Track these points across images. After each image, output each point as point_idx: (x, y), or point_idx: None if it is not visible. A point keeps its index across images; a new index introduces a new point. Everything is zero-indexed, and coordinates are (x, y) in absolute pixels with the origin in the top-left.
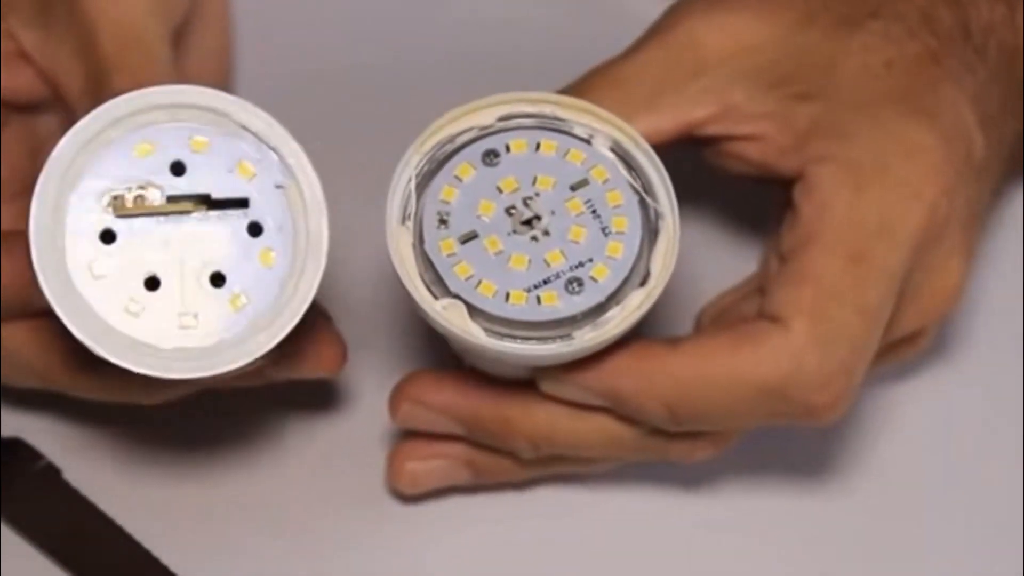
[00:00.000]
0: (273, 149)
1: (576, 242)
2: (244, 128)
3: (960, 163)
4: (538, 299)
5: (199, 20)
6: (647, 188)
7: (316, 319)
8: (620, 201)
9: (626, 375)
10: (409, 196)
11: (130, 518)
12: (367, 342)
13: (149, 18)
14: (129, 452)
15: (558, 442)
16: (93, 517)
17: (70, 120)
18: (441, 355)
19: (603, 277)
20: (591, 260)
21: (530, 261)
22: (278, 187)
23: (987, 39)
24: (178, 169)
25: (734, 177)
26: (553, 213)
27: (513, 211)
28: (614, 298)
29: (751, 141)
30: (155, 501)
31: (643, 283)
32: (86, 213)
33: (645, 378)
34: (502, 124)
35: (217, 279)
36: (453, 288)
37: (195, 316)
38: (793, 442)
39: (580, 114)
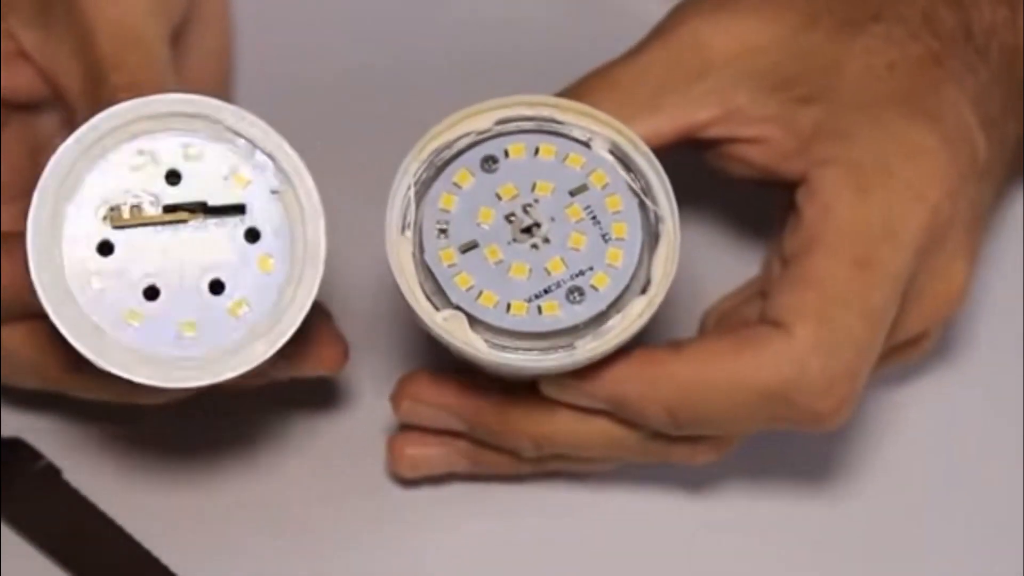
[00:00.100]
0: (268, 155)
1: (576, 249)
2: (238, 135)
3: (963, 165)
4: (539, 309)
5: (198, 20)
6: (647, 191)
7: (317, 318)
8: (620, 207)
9: (628, 381)
10: (408, 204)
11: (130, 518)
12: (368, 341)
13: (148, 18)
14: (129, 452)
15: (559, 443)
16: (93, 517)
17: (70, 120)
18: (441, 355)
19: (604, 285)
20: (591, 268)
21: (531, 270)
22: (274, 193)
23: (989, 40)
24: (174, 178)
25: (735, 180)
26: (553, 220)
27: (513, 218)
28: (615, 306)
29: (754, 144)
30: (155, 501)
31: (644, 290)
32: (83, 225)
33: (647, 383)
34: (500, 128)
35: (216, 286)
36: (454, 299)
37: (195, 324)
38: (795, 444)
39: (579, 116)
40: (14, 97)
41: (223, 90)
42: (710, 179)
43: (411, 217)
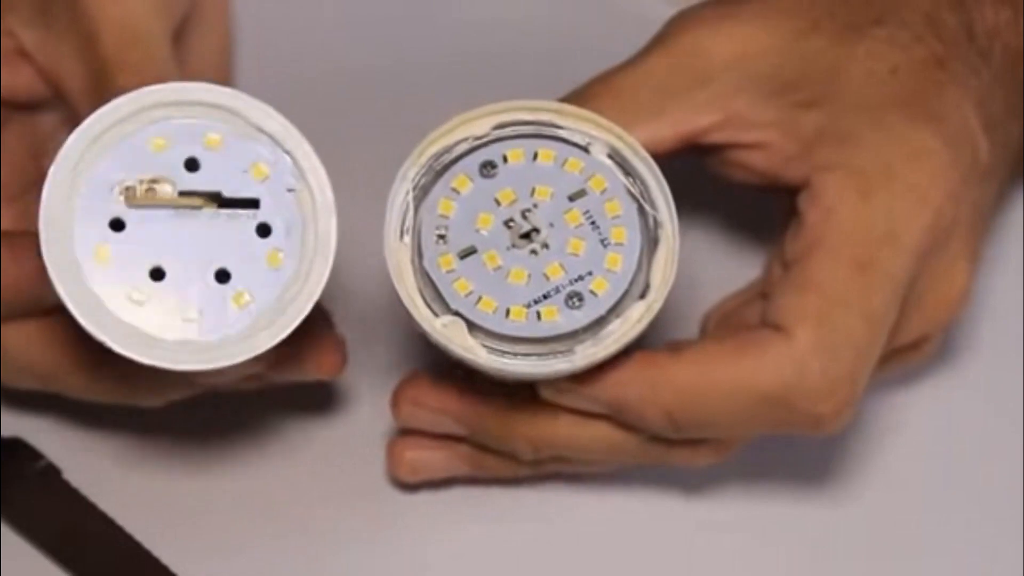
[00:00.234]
0: (288, 153)
1: (575, 255)
2: (260, 130)
3: (965, 167)
4: (538, 315)
5: (199, 19)
6: (645, 195)
7: (317, 322)
8: (619, 211)
9: (628, 385)
10: (407, 209)
11: (130, 518)
12: (367, 344)
13: (151, 17)
14: (129, 452)
15: (559, 446)
16: (93, 517)
17: (71, 120)
18: (440, 358)
19: (603, 291)
20: (590, 273)
21: (529, 276)
22: (290, 191)
23: (991, 42)
24: (192, 165)
25: (737, 186)
26: (552, 225)
27: (512, 224)
28: (614, 311)
29: (756, 149)
30: (155, 501)
31: (643, 295)
32: (97, 200)
33: (647, 387)
34: (498, 133)
35: (222, 275)
36: (453, 305)
37: (198, 310)
38: (796, 446)
39: (577, 121)
40: (14, 97)
41: None
42: (710, 184)
43: (409, 223)
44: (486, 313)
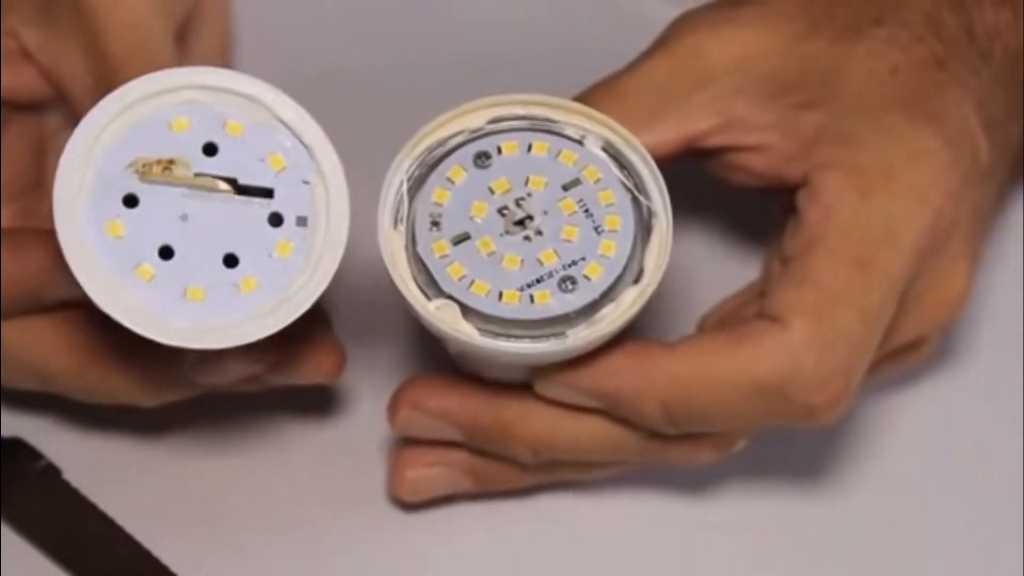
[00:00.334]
0: (306, 146)
1: (569, 241)
2: (281, 121)
3: (965, 167)
4: (531, 298)
5: (200, 19)
6: (639, 187)
7: (317, 324)
8: (612, 200)
9: (622, 374)
10: (401, 199)
11: (130, 518)
12: (366, 347)
13: (154, 18)
14: (129, 452)
15: (557, 446)
16: (93, 517)
17: (73, 120)
18: (439, 360)
19: (596, 275)
20: (584, 259)
21: (523, 261)
22: (305, 183)
23: (991, 43)
24: (210, 150)
25: (737, 189)
26: (545, 213)
27: (505, 212)
28: (608, 296)
29: (755, 151)
30: (155, 501)
31: (636, 281)
32: (114, 175)
33: (641, 377)
34: (493, 126)
35: (230, 260)
36: (446, 288)
37: (202, 292)
38: (795, 447)
39: (571, 115)
40: (16, 97)
41: None
42: (709, 185)
43: (403, 212)
44: (479, 296)
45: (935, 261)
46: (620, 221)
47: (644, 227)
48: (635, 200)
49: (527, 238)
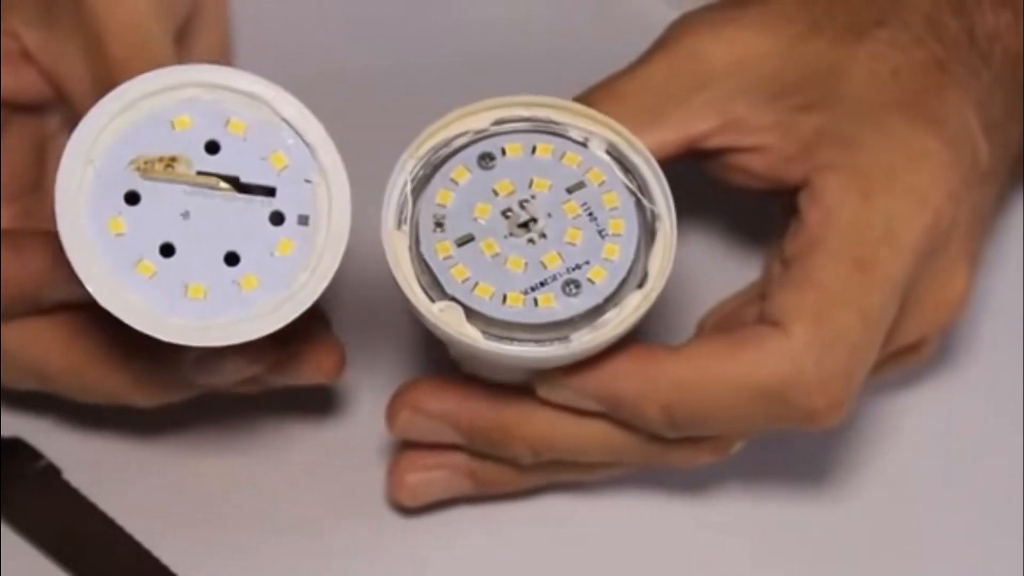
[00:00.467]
0: (308, 145)
1: (573, 244)
2: (284, 120)
3: (966, 169)
4: (535, 301)
5: (199, 20)
6: (643, 190)
7: (316, 325)
8: (616, 203)
9: (624, 378)
10: (405, 200)
11: (130, 518)
12: (366, 348)
13: (154, 20)
14: (129, 452)
15: (557, 448)
16: (93, 517)
17: (73, 121)
18: (440, 362)
19: (600, 279)
20: (588, 262)
21: (527, 263)
22: (307, 182)
23: (992, 45)
24: (212, 148)
25: (737, 190)
26: (550, 215)
27: (509, 214)
28: (612, 300)
29: (755, 153)
30: (155, 501)
31: (640, 285)
32: (116, 172)
33: (644, 381)
34: (497, 128)
35: (231, 259)
36: (450, 291)
37: (202, 289)
38: (796, 449)
39: (576, 117)
40: (16, 98)
41: None
42: (709, 186)
43: (407, 213)
44: (483, 299)
45: (935, 262)
46: (624, 225)
47: (648, 231)
48: (639, 204)
49: (531, 240)
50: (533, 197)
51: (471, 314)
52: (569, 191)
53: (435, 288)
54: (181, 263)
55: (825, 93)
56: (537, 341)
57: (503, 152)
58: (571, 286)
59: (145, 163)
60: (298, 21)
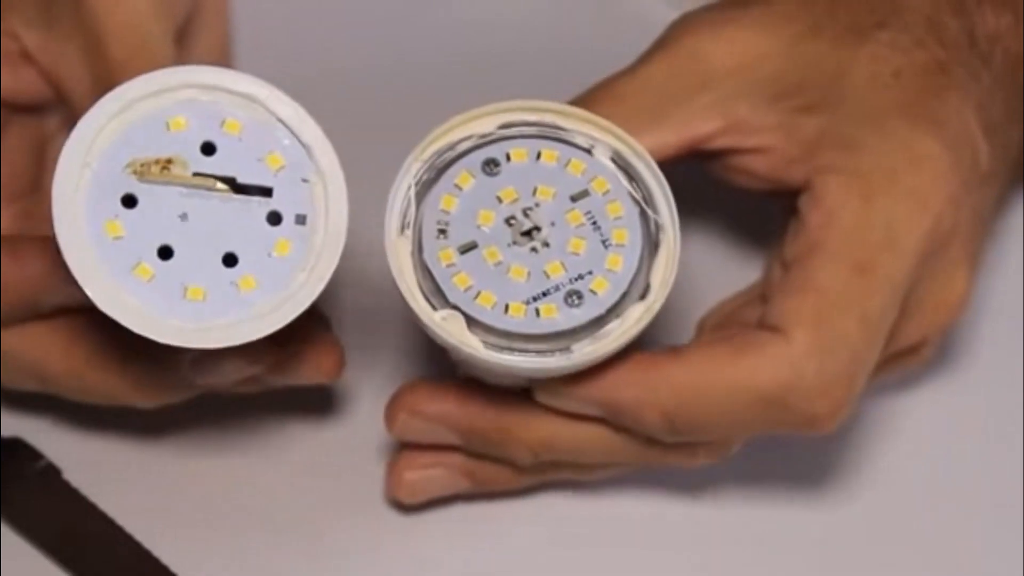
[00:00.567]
0: (304, 144)
1: (576, 254)
2: (279, 120)
3: (966, 171)
4: (537, 311)
5: (199, 20)
6: (648, 199)
7: (316, 325)
8: (621, 213)
9: (624, 386)
10: (408, 204)
11: (130, 518)
12: (366, 348)
13: (154, 20)
14: (129, 452)
15: (556, 450)
16: (93, 517)
17: (73, 121)
18: (439, 363)
19: (603, 290)
20: (591, 273)
21: (530, 273)
22: (304, 181)
23: (992, 47)
24: (208, 149)
25: (738, 190)
26: (553, 224)
27: (513, 221)
28: (614, 311)
29: (757, 154)
30: (155, 501)
31: (643, 297)
32: (112, 175)
33: (644, 388)
34: (502, 132)
35: (230, 260)
36: (452, 299)
37: (201, 291)
38: (796, 450)
39: (581, 124)
40: (16, 98)
41: None
42: (710, 187)
43: (411, 217)
44: (485, 308)
45: (936, 264)
46: (628, 235)
47: (652, 242)
48: (643, 214)
49: (534, 249)
50: (537, 205)
51: (472, 323)
52: (573, 199)
53: (437, 296)
54: (179, 265)
55: (826, 95)
56: (538, 351)
57: (508, 158)
58: (573, 297)
59: (141, 166)
60: (298, 21)
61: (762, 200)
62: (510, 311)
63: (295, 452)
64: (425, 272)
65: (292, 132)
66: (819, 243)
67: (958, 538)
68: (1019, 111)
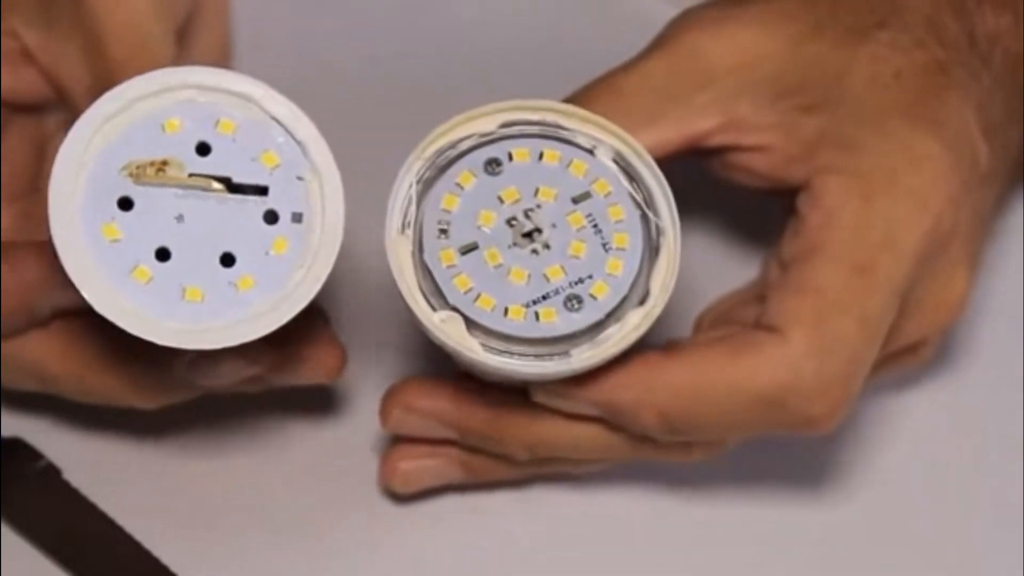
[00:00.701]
0: (299, 142)
1: (576, 257)
2: (273, 118)
3: (966, 172)
4: (536, 315)
5: (199, 20)
6: (649, 202)
7: (316, 324)
8: (622, 216)
9: (622, 388)
10: (410, 203)
11: (130, 518)
12: (366, 346)
13: (154, 20)
14: (129, 452)
15: (552, 447)
16: (93, 517)
17: (73, 120)
18: (438, 361)
19: (602, 295)
20: (591, 277)
21: (530, 276)
22: (299, 179)
23: (992, 47)
24: (203, 149)
25: (737, 189)
26: (554, 226)
27: (514, 222)
28: (613, 316)
29: (757, 152)
30: (155, 501)
31: (642, 302)
32: (108, 178)
33: (641, 389)
34: (504, 131)
35: (227, 260)
36: (452, 300)
37: (200, 292)
38: (794, 449)
39: (583, 124)
40: (17, 98)
41: None
42: (709, 185)
43: (411, 216)
44: (484, 311)
45: (935, 265)
46: (629, 239)
47: (652, 246)
48: (644, 217)
49: (535, 251)
50: (539, 206)
51: (472, 325)
52: (575, 201)
53: (437, 296)
54: (177, 267)
55: (827, 95)
56: (537, 355)
57: (510, 157)
58: (573, 301)
59: (137, 168)
60: (298, 21)
61: (761, 199)
62: (510, 314)
63: (295, 452)
64: (425, 272)
65: (286, 130)
66: (818, 243)
67: (957, 538)
68: (1019, 111)
